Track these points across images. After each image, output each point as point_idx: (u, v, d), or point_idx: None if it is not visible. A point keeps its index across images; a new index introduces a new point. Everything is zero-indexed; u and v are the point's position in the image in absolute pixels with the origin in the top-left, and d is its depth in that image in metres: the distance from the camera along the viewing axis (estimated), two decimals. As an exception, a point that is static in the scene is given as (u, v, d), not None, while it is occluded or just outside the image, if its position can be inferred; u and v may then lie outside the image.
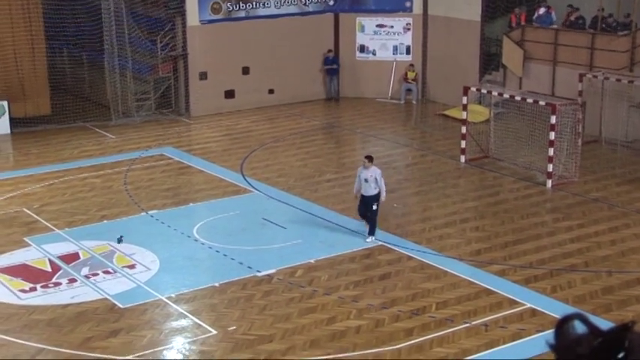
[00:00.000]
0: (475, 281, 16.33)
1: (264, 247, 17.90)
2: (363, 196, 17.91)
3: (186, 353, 13.73)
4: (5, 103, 27.64)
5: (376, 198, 17.82)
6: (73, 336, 14.20)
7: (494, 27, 30.26)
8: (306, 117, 29.88)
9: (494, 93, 24.65)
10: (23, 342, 13.98)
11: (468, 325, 14.56)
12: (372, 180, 17.68)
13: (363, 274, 16.69)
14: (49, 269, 16.96)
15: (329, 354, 13.63)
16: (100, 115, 29.17)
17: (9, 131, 27.68)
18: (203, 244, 18.23)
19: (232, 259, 17.40)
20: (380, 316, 14.90)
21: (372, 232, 18.03)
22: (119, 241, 18.08)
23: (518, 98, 23.65)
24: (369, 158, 18.05)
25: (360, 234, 18.53)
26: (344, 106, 31.60)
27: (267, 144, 26.49)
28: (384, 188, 17.94)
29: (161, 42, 29.38)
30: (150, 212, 20.18)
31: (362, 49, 32.37)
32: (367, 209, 17.93)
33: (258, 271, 16.76)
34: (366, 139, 27.52)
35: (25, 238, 18.49)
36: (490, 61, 30.17)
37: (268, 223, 19.29)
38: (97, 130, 28.19)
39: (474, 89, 25.02)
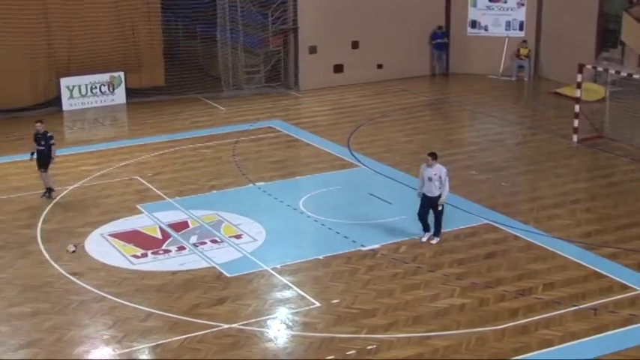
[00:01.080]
0: (584, 264, 15.89)
1: (369, 222, 17.87)
2: (425, 197, 16.54)
3: (290, 324, 13.87)
4: (122, 74, 28.44)
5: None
6: (181, 302, 14.55)
7: (613, 3, 29.15)
8: (414, 92, 29.58)
9: (611, 71, 23.80)
10: (135, 305, 14.41)
11: (576, 308, 14.19)
12: (436, 179, 16.31)
13: (468, 253, 16.47)
14: (160, 236, 17.41)
15: (431, 331, 13.53)
16: (211, 87, 29.66)
17: (125, 101, 28.51)
18: (309, 216, 18.34)
19: (337, 232, 17.44)
20: (484, 295, 14.68)
21: (437, 233, 16.80)
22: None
23: (637, 77, 22.76)
24: (433, 155, 16.52)
25: (465, 212, 18.29)
26: (453, 82, 31.14)
27: (374, 119, 26.37)
28: (447, 188, 16.46)
29: (272, 15, 29.56)
30: (257, 184, 20.43)
31: (473, 24, 31.78)
32: (431, 210, 16.64)
33: (363, 246, 16.76)
34: (475, 116, 27.06)
35: (137, 206, 19.02)
36: (608, 38, 29.11)
37: (374, 198, 19.22)
38: (208, 101, 28.68)
39: (589, 67, 24.22)
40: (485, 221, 17.90)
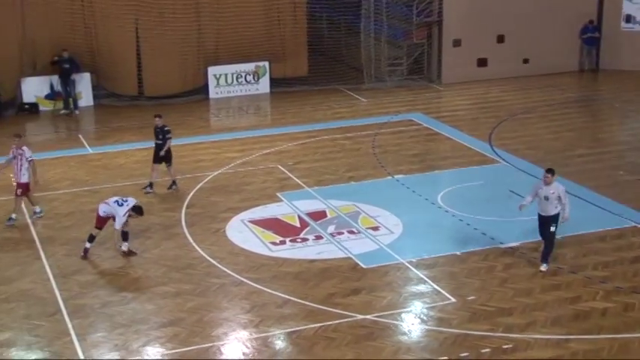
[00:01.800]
0: None
1: (508, 220, 17.53)
2: (540, 216, 15.34)
3: (424, 318, 13.82)
4: (267, 64, 29.03)
5: (556, 218, 15.17)
6: (317, 290, 14.75)
7: None
8: (561, 88, 28.77)
9: None
10: (272, 292, 14.72)
11: None
12: (554, 197, 15.02)
13: (614, 255, 15.90)
14: (298, 225, 17.68)
15: (571, 334, 13.16)
16: (353, 78, 29.84)
17: (268, 90, 29.10)
18: (447, 211, 18.19)
19: (475, 228, 17.22)
20: (629, 300, 14.15)
21: (545, 259, 15.32)
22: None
23: None
24: (552, 172, 15.18)
25: (612, 213, 17.67)
26: (602, 79, 30.10)
27: (518, 115, 25.83)
28: (568, 207, 15.19)
29: (417, 8, 29.43)
30: (396, 176, 20.42)
31: (628, 19, 30.57)
32: (545, 230, 15.32)
33: (501, 243, 16.47)
34: (625, 114, 26.08)
35: (277, 194, 19.38)
36: None
37: (514, 195, 18.84)
38: (350, 92, 28.88)
39: None
40: (633, 224, 17.23)
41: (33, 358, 12.68)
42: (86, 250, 16.07)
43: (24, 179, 17.58)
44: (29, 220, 17.92)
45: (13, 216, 17.68)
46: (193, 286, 14.99)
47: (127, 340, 13.16)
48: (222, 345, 13.10)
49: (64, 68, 26.56)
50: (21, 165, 17.52)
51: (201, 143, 23.50)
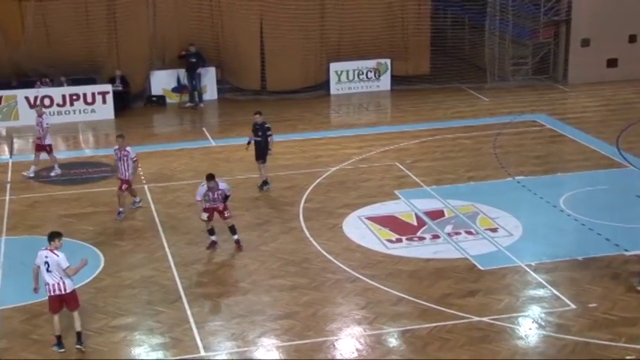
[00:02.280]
0: None
1: (634, 226, 16.94)
2: None
3: (542, 324, 13.51)
4: (388, 61, 29.01)
5: None
6: (432, 290, 14.65)
7: None
8: (696, 91, 27.60)
9: None
10: (387, 289, 14.71)
11: None
12: None
13: None
14: (415, 223, 17.60)
15: (698, 348, 12.61)
16: (475, 77, 29.46)
17: (389, 88, 29.07)
18: (569, 215, 17.73)
19: (599, 234, 16.71)
20: None
21: None
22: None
23: None
24: None
25: None
26: None
27: (649, 118, 24.93)
28: None
29: (545, 6, 28.77)
30: (517, 178, 20.04)
31: None
32: None
33: (626, 250, 15.93)
34: None
35: (395, 191, 19.35)
36: None
37: (642, 201, 18.21)
38: (472, 92, 28.51)
39: None
40: None
41: (154, 342, 13.10)
42: (213, 243, 16.51)
43: (128, 177, 18.17)
44: (154, 210, 18.50)
45: (121, 209, 18.18)
46: (309, 280, 15.15)
47: (244, 330, 13.43)
48: (336, 340, 13.19)
49: (191, 62, 27.29)
50: (128, 165, 18.08)
51: (320, 139, 23.71)
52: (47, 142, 20.60)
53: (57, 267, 12.52)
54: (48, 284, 12.65)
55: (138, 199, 18.71)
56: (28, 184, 20.28)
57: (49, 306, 12.87)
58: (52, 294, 12.70)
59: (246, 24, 27.93)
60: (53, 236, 12.75)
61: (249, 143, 19.61)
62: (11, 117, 25.44)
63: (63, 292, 12.67)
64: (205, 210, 16.26)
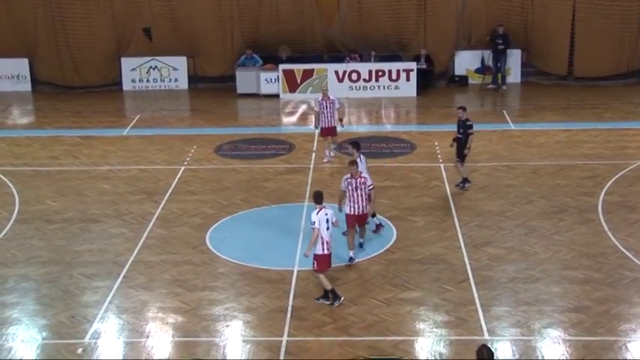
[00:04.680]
0: None
1: None
2: None
3: None
4: None
5: None
6: None
7: None
8: None
9: None
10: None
11: None
12: None
13: None
14: None
15: None
16: None
17: None
18: None
19: None
20: None
21: None
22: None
23: None
24: None
25: None
26: None
27: None
28: None
29: None
30: None
31: None
32: None
33: None
34: None
35: None
36: None
37: None
38: None
39: None
40: None
41: (439, 319, 13.25)
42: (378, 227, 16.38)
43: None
44: (448, 190, 18.63)
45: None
46: (603, 275, 14.51)
47: (530, 318, 13.18)
48: (629, 341, 12.53)
49: (498, 43, 27.00)
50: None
51: (628, 129, 22.49)
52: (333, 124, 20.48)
53: (331, 224, 13.61)
54: (325, 243, 13.54)
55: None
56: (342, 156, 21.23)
57: (319, 265, 13.63)
58: (327, 252, 13.60)
59: (558, 6, 27.07)
60: (322, 195, 13.76)
61: (454, 140, 18.53)
62: (321, 89, 26.79)
63: (331, 250, 13.64)
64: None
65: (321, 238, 13.51)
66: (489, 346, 10.22)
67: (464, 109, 18.55)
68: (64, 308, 13.78)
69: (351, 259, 15.02)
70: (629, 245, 15.59)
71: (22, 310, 13.80)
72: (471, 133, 18.37)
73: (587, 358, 12.08)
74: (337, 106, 20.33)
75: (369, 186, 15.10)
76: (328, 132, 20.37)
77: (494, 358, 9.68)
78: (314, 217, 13.52)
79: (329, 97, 20.32)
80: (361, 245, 15.53)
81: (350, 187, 15.01)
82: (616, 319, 13.13)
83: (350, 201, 15.01)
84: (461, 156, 18.43)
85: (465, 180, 18.69)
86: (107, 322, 13.37)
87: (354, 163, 15.35)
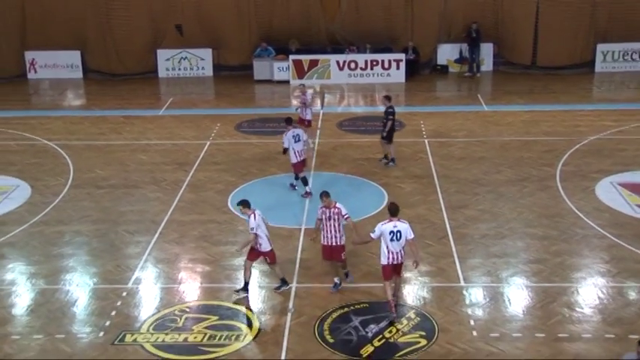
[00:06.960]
0: None
1: None
2: None
3: None
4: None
5: None
6: (675, 255, 13.43)
7: None
8: None
9: None
10: (632, 249, 13.71)
11: None
12: None
13: None
14: (665, 193, 16.16)
15: None
16: None
17: (652, 68, 26.64)
18: None
19: None
20: None
21: None
22: None
23: None
24: None
25: None
26: None
27: None
28: None
29: None
30: None
31: None
32: None
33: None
34: None
35: (648, 162, 17.86)
36: None
37: None
38: None
39: None
40: None
41: (423, 269, 13.22)
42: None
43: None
44: (431, 161, 18.55)
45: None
46: (559, 232, 14.51)
47: (498, 269, 13.20)
48: (580, 287, 12.57)
49: (473, 38, 26.76)
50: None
51: (580, 111, 22.35)
52: (308, 117, 19.37)
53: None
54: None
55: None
56: (334, 130, 21.16)
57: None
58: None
59: (524, 5, 26.75)
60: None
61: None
62: (324, 76, 26.66)
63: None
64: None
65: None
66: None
67: (388, 98, 17.82)
68: (110, 259, 13.86)
69: (335, 284, 12.57)
70: (581, 207, 15.57)
71: (77, 260, 13.89)
72: (389, 120, 17.57)
73: (546, 300, 12.13)
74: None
75: (344, 215, 12.37)
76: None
77: None
78: (252, 222, 12.01)
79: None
80: (347, 275, 12.82)
81: (324, 217, 12.41)
82: (569, 268, 13.17)
83: (323, 230, 12.48)
84: (386, 137, 17.83)
85: (390, 159, 18.00)
86: (146, 271, 13.43)
87: (327, 194, 12.46)
